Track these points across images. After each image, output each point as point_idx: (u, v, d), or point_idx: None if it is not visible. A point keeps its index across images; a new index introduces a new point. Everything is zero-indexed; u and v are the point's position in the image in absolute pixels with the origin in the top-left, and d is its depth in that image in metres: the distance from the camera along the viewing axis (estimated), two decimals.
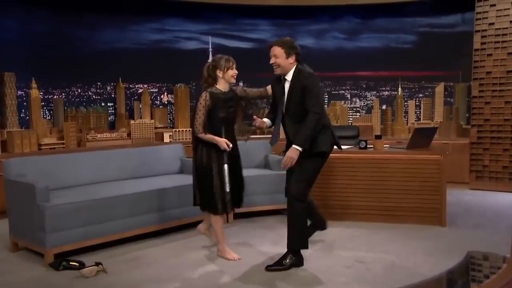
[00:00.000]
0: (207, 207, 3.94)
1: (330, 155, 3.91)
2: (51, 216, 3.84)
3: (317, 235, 4.38)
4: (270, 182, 5.27)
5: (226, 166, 3.86)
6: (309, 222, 4.03)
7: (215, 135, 3.83)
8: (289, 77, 3.72)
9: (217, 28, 7.91)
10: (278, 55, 3.69)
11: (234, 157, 3.97)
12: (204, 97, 3.83)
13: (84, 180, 4.72)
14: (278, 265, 3.72)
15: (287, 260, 3.73)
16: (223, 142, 3.80)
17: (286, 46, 3.70)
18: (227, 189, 3.86)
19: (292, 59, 3.70)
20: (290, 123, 3.76)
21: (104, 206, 4.17)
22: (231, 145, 3.83)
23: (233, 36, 8.01)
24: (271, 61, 3.73)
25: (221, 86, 3.92)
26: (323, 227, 4.27)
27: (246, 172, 5.21)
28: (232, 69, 3.94)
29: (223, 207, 3.87)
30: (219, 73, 3.91)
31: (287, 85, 3.73)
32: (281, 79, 3.79)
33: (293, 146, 3.57)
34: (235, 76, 3.96)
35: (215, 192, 3.84)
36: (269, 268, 3.72)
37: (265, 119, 3.95)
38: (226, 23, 7.95)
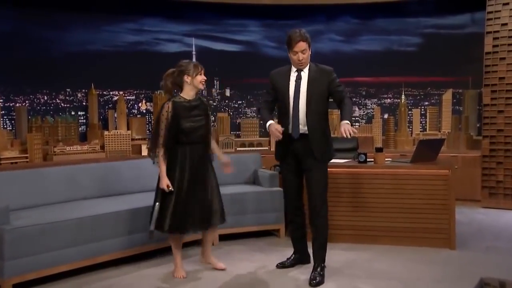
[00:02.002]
0: (159, 227, 4.03)
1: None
2: (11, 240, 3.76)
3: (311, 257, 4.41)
4: (260, 200, 5.24)
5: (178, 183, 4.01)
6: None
7: (177, 148, 3.99)
8: (305, 69, 4.02)
9: (201, 29, 7.91)
10: (306, 50, 3.95)
11: (198, 174, 4.07)
12: (167, 108, 3.96)
13: (51, 199, 4.65)
14: (320, 279, 3.97)
15: (323, 272, 4.04)
16: (164, 183, 3.95)
17: (308, 39, 3.96)
18: (156, 208, 3.99)
19: (310, 52, 4.00)
20: (309, 115, 3.98)
21: (73, 228, 4.10)
22: (171, 188, 3.96)
23: (218, 38, 8.01)
24: (300, 58, 3.94)
25: (186, 94, 4.04)
26: (308, 261, 4.38)
27: (233, 189, 5.27)
28: (201, 74, 4.05)
29: (171, 226, 3.98)
30: (187, 79, 4.01)
31: (304, 77, 4.01)
32: (285, 72, 4.09)
33: (346, 121, 3.79)
34: (204, 82, 4.09)
35: (165, 209, 3.99)
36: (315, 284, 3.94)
37: (270, 121, 4.07)
38: (211, 24, 7.95)
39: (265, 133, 8.08)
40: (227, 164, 4.30)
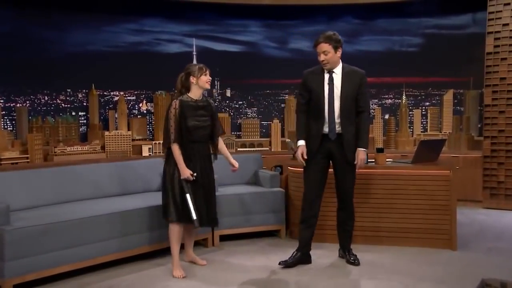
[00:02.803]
0: (163, 214, 4.23)
1: None
2: (11, 241, 3.75)
3: (313, 258, 4.47)
4: (261, 201, 5.23)
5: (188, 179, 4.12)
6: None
7: (185, 145, 4.12)
8: (338, 70, 4.21)
9: (202, 29, 7.91)
10: (328, 51, 4.12)
11: (203, 173, 4.23)
12: (174, 105, 4.14)
13: (52, 199, 4.64)
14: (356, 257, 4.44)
15: (355, 256, 4.45)
16: (187, 172, 4.08)
17: (333, 41, 4.13)
18: (189, 200, 4.08)
19: (339, 53, 4.19)
20: (343, 116, 4.18)
21: (74, 229, 4.09)
22: (195, 175, 4.12)
23: (220, 38, 8.02)
24: (321, 59, 4.14)
25: (193, 94, 4.23)
26: (308, 261, 4.49)
27: (234, 189, 5.28)
28: (205, 75, 4.22)
29: (178, 216, 4.13)
30: (193, 80, 4.19)
31: (336, 78, 4.19)
32: (319, 72, 4.23)
33: (361, 149, 4.18)
34: (209, 82, 4.27)
35: (175, 200, 4.13)
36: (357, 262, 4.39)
37: (301, 142, 4.30)
38: (212, 24, 7.95)
39: (265, 133, 8.11)
40: (235, 166, 4.47)
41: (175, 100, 4.17)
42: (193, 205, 4.07)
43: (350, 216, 4.43)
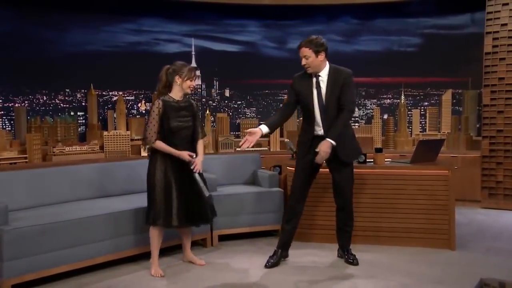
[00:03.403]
0: (146, 218, 4.19)
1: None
2: (9, 241, 3.75)
3: (312, 259, 4.49)
4: (259, 201, 5.23)
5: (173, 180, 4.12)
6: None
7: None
8: (323, 73, 4.20)
9: (201, 29, 7.91)
10: (308, 56, 4.12)
11: (188, 171, 4.12)
12: (158, 104, 4.09)
13: (50, 199, 4.64)
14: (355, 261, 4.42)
15: (354, 256, 4.46)
16: (185, 154, 4.07)
17: (313, 45, 4.11)
18: (174, 204, 4.08)
19: (322, 57, 4.14)
20: (329, 119, 4.18)
21: (72, 229, 4.08)
22: (194, 155, 4.11)
23: (218, 38, 8.01)
24: (303, 63, 4.15)
25: (175, 94, 4.17)
26: (286, 255, 4.57)
27: (233, 189, 5.27)
28: (192, 80, 4.18)
29: (164, 221, 4.10)
30: (177, 80, 4.14)
31: (322, 82, 4.19)
32: (308, 76, 4.22)
33: (328, 139, 4.08)
34: (192, 88, 4.25)
35: (159, 205, 4.10)
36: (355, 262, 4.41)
37: (262, 127, 4.21)
38: (211, 24, 7.95)
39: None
40: (194, 162, 4.15)
41: (158, 100, 4.12)
42: (202, 182, 4.09)
43: (349, 217, 4.44)
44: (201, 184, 4.08)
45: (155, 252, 4.24)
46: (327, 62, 4.21)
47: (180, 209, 4.11)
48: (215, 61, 7.90)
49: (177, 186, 4.12)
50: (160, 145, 4.10)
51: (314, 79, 4.20)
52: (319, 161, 4.15)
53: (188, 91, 4.21)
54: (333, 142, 4.06)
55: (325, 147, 4.05)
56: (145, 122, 4.12)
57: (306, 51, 4.12)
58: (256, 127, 4.21)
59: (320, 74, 4.19)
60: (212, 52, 7.91)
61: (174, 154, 4.08)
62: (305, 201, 4.43)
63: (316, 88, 4.19)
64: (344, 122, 4.16)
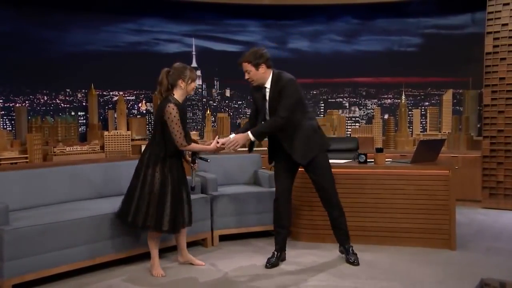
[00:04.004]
0: (152, 225, 4.08)
1: None
2: (10, 241, 3.75)
3: (312, 258, 4.48)
4: (260, 201, 5.23)
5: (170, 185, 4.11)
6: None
7: (174, 153, 4.08)
8: (268, 84, 4.21)
9: (201, 29, 7.92)
10: (249, 70, 4.15)
11: (184, 176, 4.24)
12: (175, 109, 3.97)
13: (51, 199, 4.63)
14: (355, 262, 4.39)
15: (356, 256, 4.42)
16: (213, 146, 4.17)
17: (252, 58, 4.13)
18: (169, 209, 4.08)
19: (263, 69, 4.16)
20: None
21: (73, 229, 4.08)
22: (220, 142, 4.18)
23: (219, 38, 8.02)
24: (245, 77, 4.20)
25: (179, 97, 4.10)
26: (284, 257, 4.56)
27: (233, 189, 5.27)
28: (195, 81, 4.15)
29: (170, 226, 4.09)
30: (181, 84, 4.06)
31: (267, 93, 4.22)
32: (261, 88, 4.26)
33: (248, 133, 4.14)
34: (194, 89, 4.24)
35: (165, 210, 4.06)
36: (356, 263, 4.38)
37: (231, 135, 4.27)
38: (211, 24, 7.96)
39: None
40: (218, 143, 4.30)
41: (169, 104, 3.96)
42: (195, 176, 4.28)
43: (338, 213, 4.43)
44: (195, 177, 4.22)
45: (155, 252, 4.24)
46: (271, 71, 4.21)
47: (172, 214, 4.10)
48: (216, 61, 7.90)
49: (173, 192, 4.10)
50: (193, 146, 4.13)
51: (263, 91, 4.26)
52: (227, 145, 4.12)
53: (192, 93, 4.23)
54: (251, 137, 4.14)
55: (239, 137, 4.14)
56: (170, 131, 3.98)
57: (246, 66, 4.15)
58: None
59: (266, 85, 4.22)
60: (212, 52, 7.92)
61: (209, 150, 4.20)
62: (291, 204, 4.54)
63: (264, 99, 4.26)
64: (271, 126, 4.17)
